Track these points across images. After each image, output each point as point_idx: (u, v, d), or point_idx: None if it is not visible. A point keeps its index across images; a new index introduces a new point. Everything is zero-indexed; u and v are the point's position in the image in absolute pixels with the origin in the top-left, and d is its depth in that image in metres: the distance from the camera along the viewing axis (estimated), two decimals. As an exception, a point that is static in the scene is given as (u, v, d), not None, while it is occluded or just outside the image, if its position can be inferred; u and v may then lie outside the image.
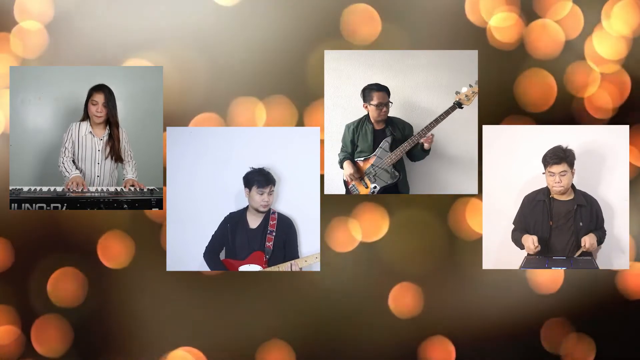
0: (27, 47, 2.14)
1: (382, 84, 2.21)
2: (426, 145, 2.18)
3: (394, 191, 2.21)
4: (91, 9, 2.14)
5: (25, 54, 2.14)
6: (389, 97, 2.22)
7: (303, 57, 2.14)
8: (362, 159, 2.23)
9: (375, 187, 2.21)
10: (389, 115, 2.23)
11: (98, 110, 2.24)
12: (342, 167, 2.24)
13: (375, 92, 2.21)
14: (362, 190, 2.21)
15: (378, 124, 2.23)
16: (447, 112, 2.15)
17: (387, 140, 2.22)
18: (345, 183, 2.23)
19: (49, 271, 2.15)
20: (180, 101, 2.15)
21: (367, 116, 2.24)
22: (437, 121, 2.15)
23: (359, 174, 2.22)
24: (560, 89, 2.15)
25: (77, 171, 2.24)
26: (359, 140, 2.23)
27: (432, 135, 2.17)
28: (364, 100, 2.22)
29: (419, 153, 2.21)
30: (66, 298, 2.15)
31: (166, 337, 2.16)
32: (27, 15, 2.14)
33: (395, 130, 2.23)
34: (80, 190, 2.18)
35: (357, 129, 2.24)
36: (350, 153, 2.24)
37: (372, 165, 2.22)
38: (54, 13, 2.14)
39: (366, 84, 2.22)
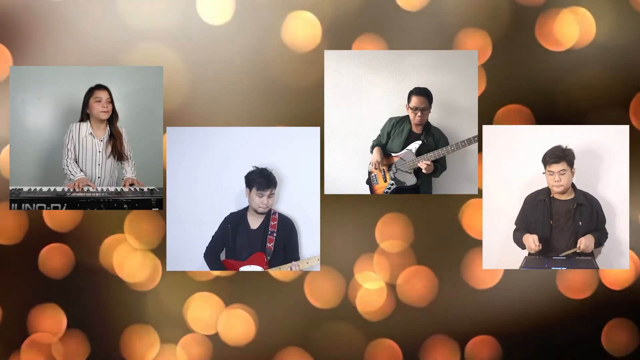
0: (27, 47, 2.14)
1: (427, 88, 2.22)
2: (423, 170, 2.19)
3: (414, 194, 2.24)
4: (91, 8, 2.14)
5: (25, 54, 2.14)
6: (429, 103, 2.21)
7: (303, 56, 2.14)
8: (390, 153, 2.25)
9: (392, 184, 2.22)
10: (431, 123, 2.24)
11: (104, 106, 2.23)
12: (371, 152, 2.26)
13: (414, 95, 2.22)
14: (380, 183, 2.24)
15: (416, 127, 2.24)
16: (470, 142, 2.15)
17: (416, 144, 2.22)
18: (369, 172, 2.25)
19: (49, 270, 2.15)
20: (180, 101, 2.15)
21: (408, 116, 2.25)
22: (457, 147, 2.17)
23: (384, 164, 2.23)
24: (565, 89, 2.15)
25: (82, 173, 2.24)
26: (394, 135, 2.25)
27: (431, 163, 2.19)
28: (407, 102, 2.23)
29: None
30: (66, 296, 2.16)
31: (164, 336, 2.16)
32: (28, 16, 2.14)
33: (428, 138, 2.23)
34: (87, 190, 2.19)
35: (397, 123, 2.26)
36: (382, 144, 2.26)
37: (396, 162, 2.23)
38: (54, 13, 2.14)
39: (414, 87, 2.22)
